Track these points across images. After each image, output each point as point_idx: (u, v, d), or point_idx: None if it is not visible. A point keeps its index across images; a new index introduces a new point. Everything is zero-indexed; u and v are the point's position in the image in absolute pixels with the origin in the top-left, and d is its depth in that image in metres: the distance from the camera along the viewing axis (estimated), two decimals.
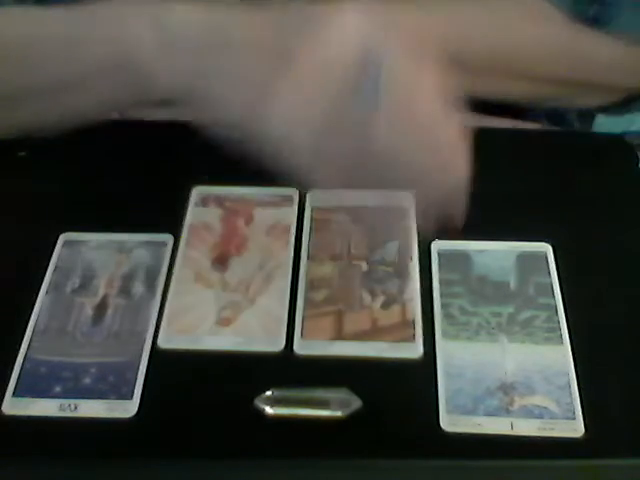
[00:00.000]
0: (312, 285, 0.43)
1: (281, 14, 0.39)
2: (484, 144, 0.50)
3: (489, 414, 0.38)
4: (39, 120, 0.44)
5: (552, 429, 0.37)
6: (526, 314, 0.42)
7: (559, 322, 0.41)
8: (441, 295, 0.42)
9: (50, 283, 0.44)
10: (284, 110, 0.37)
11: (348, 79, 0.38)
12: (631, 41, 0.47)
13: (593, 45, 0.47)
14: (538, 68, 0.48)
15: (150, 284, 0.43)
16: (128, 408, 0.38)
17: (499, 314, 0.42)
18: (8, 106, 0.45)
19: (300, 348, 0.41)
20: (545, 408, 0.38)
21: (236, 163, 0.40)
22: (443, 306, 0.42)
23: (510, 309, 0.42)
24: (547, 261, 0.44)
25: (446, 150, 0.39)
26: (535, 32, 0.48)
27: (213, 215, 0.47)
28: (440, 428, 0.37)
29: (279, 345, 0.41)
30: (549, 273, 0.43)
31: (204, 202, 0.47)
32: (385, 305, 0.42)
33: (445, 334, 0.41)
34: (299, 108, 0.38)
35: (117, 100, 0.43)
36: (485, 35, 0.48)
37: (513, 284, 0.43)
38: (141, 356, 0.40)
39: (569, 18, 0.47)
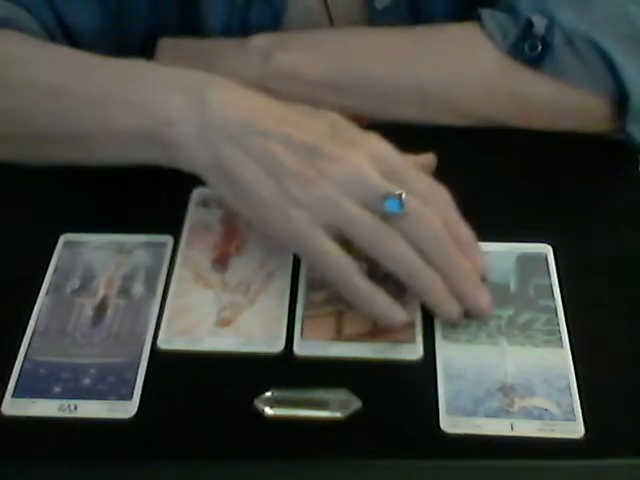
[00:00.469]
0: (312, 286, 0.43)
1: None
2: (484, 145, 0.50)
3: (489, 415, 0.38)
4: (63, 160, 0.46)
5: (552, 430, 0.37)
6: (526, 316, 0.42)
7: (559, 325, 0.41)
8: None
9: (50, 284, 0.44)
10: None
11: None
12: (564, 82, 0.48)
13: (529, 83, 0.49)
14: (474, 105, 0.50)
15: (150, 285, 0.43)
16: (128, 409, 0.38)
17: (499, 316, 0.42)
18: (36, 146, 0.47)
19: (300, 349, 0.41)
20: (545, 409, 0.38)
21: None
22: None
23: (510, 311, 0.42)
24: (547, 263, 0.44)
25: None
26: (471, 67, 0.49)
27: (213, 216, 0.47)
28: (440, 429, 0.37)
29: (279, 346, 0.41)
30: (549, 275, 0.43)
31: (204, 203, 0.47)
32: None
33: (445, 336, 0.41)
34: None
35: (141, 160, 0.44)
36: (415, 69, 0.49)
37: (513, 286, 0.43)
38: (141, 357, 0.40)
39: (508, 56, 0.48)
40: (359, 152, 0.40)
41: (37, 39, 0.50)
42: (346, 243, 0.40)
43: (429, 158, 0.45)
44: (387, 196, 0.39)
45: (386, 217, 0.39)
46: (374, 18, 0.54)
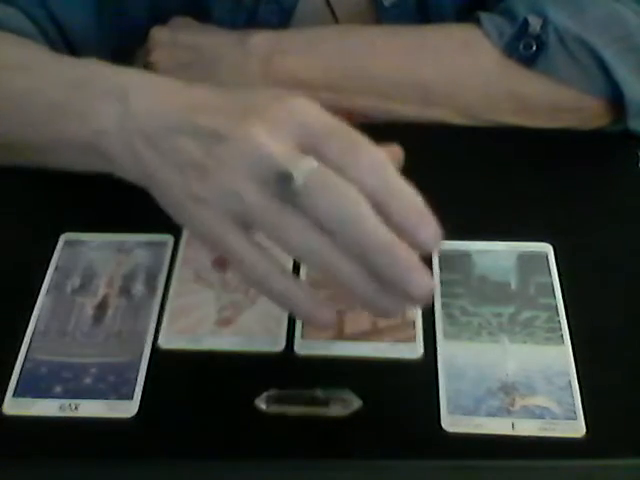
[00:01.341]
0: (312, 285, 0.43)
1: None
2: (484, 144, 0.50)
3: (490, 414, 0.38)
4: (24, 165, 0.44)
5: (553, 429, 0.37)
6: (527, 314, 0.42)
7: (560, 322, 0.41)
8: (442, 295, 0.42)
9: (50, 283, 0.44)
10: None
11: None
12: (559, 81, 0.49)
13: (526, 82, 0.49)
14: (473, 104, 0.50)
15: (150, 284, 0.43)
16: (128, 408, 0.38)
17: (500, 314, 0.42)
18: (14, 154, 0.45)
19: (300, 348, 0.41)
20: (546, 408, 0.38)
21: None
22: (444, 306, 0.42)
23: (511, 309, 0.42)
24: (548, 261, 0.44)
25: None
26: (470, 66, 0.49)
27: None
28: (441, 428, 0.37)
29: (279, 345, 0.41)
30: (550, 273, 0.43)
31: None
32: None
33: (446, 334, 0.41)
34: None
35: (95, 169, 0.41)
36: (415, 68, 0.49)
37: (514, 284, 0.43)
38: (141, 356, 0.40)
39: (504, 54, 0.49)
40: (261, 126, 0.34)
41: (17, 40, 0.49)
42: None
43: (393, 150, 0.40)
44: (277, 174, 0.33)
45: (288, 199, 0.33)
46: (381, 16, 0.55)
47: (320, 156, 0.33)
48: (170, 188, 0.36)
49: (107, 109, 0.39)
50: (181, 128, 0.36)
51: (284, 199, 0.33)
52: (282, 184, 0.33)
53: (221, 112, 0.36)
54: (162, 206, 0.38)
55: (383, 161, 0.33)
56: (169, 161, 0.36)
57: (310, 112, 0.35)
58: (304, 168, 0.33)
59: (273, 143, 0.34)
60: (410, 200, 0.33)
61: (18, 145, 0.44)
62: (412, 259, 0.32)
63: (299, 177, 0.32)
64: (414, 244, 0.32)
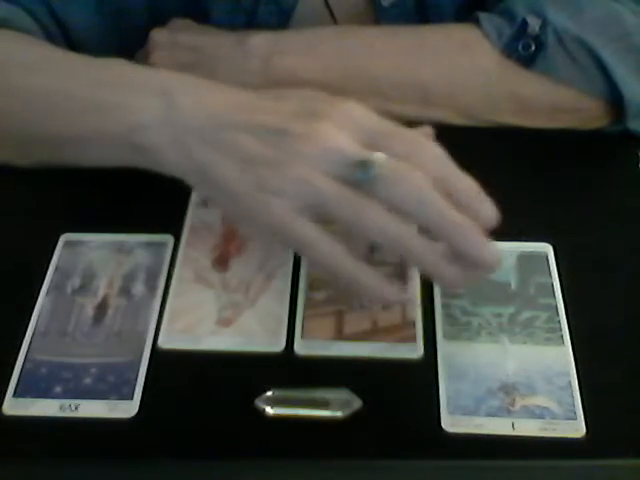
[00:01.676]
0: (312, 285, 0.43)
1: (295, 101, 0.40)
2: (484, 144, 0.50)
3: (490, 414, 0.38)
4: (50, 162, 0.46)
5: (553, 429, 0.37)
6: (527, 314, 0.42)
7: (560, 322, 0.41)
8: (442, 295, 0.42)
9: (50, 283, 0.44)
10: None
11: None
12: (559, 81, 0.49)
13: (525, 83, 0.49)
14: (473, 103, 0.50)
15: (150, 284, 0.43)
16: (128, 408, 0.38)
17: (500, 315, 0.42)
18: (22, 148, 0.47)
19: (300, 348, 0.41)
20: (546, 408, 0.38)
21: None
22: (444, 306, 0.42)
23: (511, 309, 0.42)
24: (548, 261, 0.44)
25: None
26: (469, 66, 0.50)
27: (214, 215, 0.47)
28: (441, 429, 0.37)
29: (279, 345, 0.41)
30: (550, 273, 0.43)
31: (205, 203, 0.47)
32: (385, 305, 0.42)
33: (446, 335, 0.41)
34: None
35: (125, 164, 0.43)
36: (415, 68, 0.49)
37: (514, 284, 0.43)
38: (141, 356, 0.40)
39: (503, 55, 0.49)
40: (327, 124, 0.38)
41: (32, 39, 0.50)
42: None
43: (426, 131, 0.43)
44: (357, 163, 0.36)
45: (363, 187, 0.36)
46: (380, 16, 0.55)
47: (384, 151, 0.37)
48: (231, 182, 0.38)
49: (148, 104, 0.41)
50: (238, 125, 0.39)
51: (360, 187, 0.36)
52: (359, 173, 0.36)
53: (278, 112, 0.39)
54: (210, 198, 0.41)
55: (441, 152, 0.38)
56: (230, 157, 0.38)
57: (366, 113, 0.39)
58: (379, 158, 0.36)
59: (343, 138, 0.37)
60: (470, 184, 0.37)
61: (47, 141, 0.45)
62: (480, 234, 0.36)
63: (377, 165, 0.36)
64: (477, 221, 0.37)
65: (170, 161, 0.41)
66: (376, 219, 0.36)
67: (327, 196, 0.37)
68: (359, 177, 0.36)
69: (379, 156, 0.36)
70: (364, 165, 0.36)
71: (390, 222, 0.36)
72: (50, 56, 0.47)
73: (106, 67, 0.45)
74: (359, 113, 0.39)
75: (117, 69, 0.44)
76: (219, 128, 0.39)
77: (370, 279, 0.38)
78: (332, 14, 0.55)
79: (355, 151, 0.37)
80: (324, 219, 0.38)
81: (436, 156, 0.38)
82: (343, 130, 0.38)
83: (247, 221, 0.40)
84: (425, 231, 0.37)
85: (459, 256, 0.36)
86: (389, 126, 0.39)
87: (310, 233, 0.37)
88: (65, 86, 0.44)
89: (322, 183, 0.37)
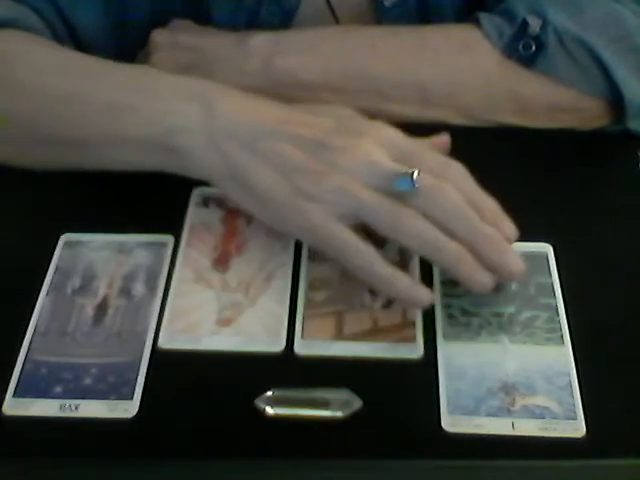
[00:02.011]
0: (312, 285, 0.43)
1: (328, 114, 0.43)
2: (484, 144, 0.50)
3: (490, 414, 0.38)
4: (69, 165, 0.47)
5: (553, 429, 0.37)
6: (527, 314, 0.42)
7: (560, 322, 0.41)
8: (442, 295, 0.42)
9: (51, 284, 0.44)
10: None
11: None
12: (559, 81, 0.49)
13: (525, 83, 0.49)
14: (473, 103, 0.50)
15: (151, 285, 0.43)
16: (128, 408, 0.38)
17: (500, 314, 0.42)
18: (42, 150, 0.47)
19: (300, 348, 0.41)
20: (546, 408, 0.38)
21: None
22: (444, 307, 0.42)
23: (511, 309, 0.42)
24: (548, 261, 0.44)
25: None
26: (470, 66, 0.50)
27: (213, 216, 0.47)
28: (441, 428, 0.37)
29: (279, 345, 0.41)
30: (550, 273, 0.43)
31: (205, 203, 0.47)
32: (386, 305, 0.42)
33: (446, 335, 0.41)
34: None
35: (149, 168, 0.44)
36: (415, 68, 0.50)
37: (514, 284, 0.43)
38: (142, 356, 0.40)
39: (503, 55, 0.49)
40: (366, 140, 0.41)
41: (42, 40, 0.50)
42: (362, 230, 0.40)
43: (443, 139, 0.45)
44: (398, 176, 0.39)
45: (401, 198, 0.39)
46: (382, 16, 0.55)
47: (416, 168, 0.39)
48: (273, 189, 0.40)
49: (185, 108, 0.42)
50: (277, 134, 0.41)
51: (398, 198, 0.39)
52: (402, 185, 0.39)
53: (314, 125, 0.41)
54: (247, 204, 0.42)
55: (467, 172, 0.41)
56: (269, 164, 0.40)
57: (397, 133, 0.42)
58: (416, 172, 0.39)
59: (380, 153, 0.40)
60: (493, 203, 0.41)
61: (68, 144, 0.45)
62: (507, 245, 0.40)
63: (416, 178, 0.39)
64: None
65: (204, 164, 0.42)
66: (415, 226, 0.39)
67: (366, 203, 0.39)
68: (400, 188, 0.39)
69: (416, 171, 0.39)
70: (405, 178, 0.39)
71: (429, 228, 0.39)
72: (66, 57, 0.48)
73: (130, 71, 0.45)
74: (391, 132, 0.42)
75: (146, 74, 0.45)
76: (258, 135, 0.41)
77: (402, 281, 0.40)
78: (334, 14, 0.55)
79: (394, 165, 0.40)
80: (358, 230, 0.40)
81: (462, 175, 0.41)
82: (379, 146, 0.40)
83: (283, 226, 0.42)
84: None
85: (487, 265, 0.39)
86: (420, 145, 0.42)
87: (348, 237, 0.40)
88: (85, 89, 0.45)
89: (360, 191, 0.39)
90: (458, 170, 0.41)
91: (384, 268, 0.39)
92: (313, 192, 0.40)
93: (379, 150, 0.40)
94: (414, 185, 0.39)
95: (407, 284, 0.40)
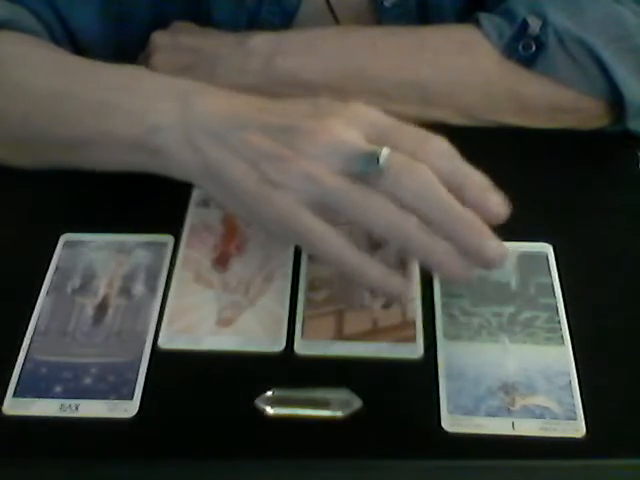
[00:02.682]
0: (312, 285, 0.43)
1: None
2: (484, 144, 0.50)
3: (490, 414, 0.38)
4: (59, 164, 0.47)
5: (553, 429, 0.37)
6: (527, 314, 0.42)
7: (560, 322, 0.41)
8: (442, 295, 0.42)
9: (51, 283, 0.44)
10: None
11: None
12: (556, 81, 0.49)
13: (525, 83, 0.49)
14: (474, 103, 0.50)
15: (151, 284, 0.43)
16: (128, 408, 0.38)
17: (500, 314, 0.42)
18: (32, 149, 0.47)
19: (300, 348, 0.41)
20: (546, 408, 0.38)
21: None
22: (444, 306, 0.42)
23: (511, 309, 0.42)
24: (548, 261, 0.44)
25: None
26: (470, 66, 0.50)
27: (213, 216, 0.47)
28: (441, 428, 0.37)
29: (279, 345, 0.41)
30: (550, 273, 0.43)
31: (205, 203, 0.47)
32: (386, 305, 0.42)
33: (446, 334, 0.41)
34: None
35: (135, 168, 0.44)
36: (415, 68, 0.49)
37: (514, 284, 0.43)
38: (142, 356, 0.40)
39: (503, 55, 0.49)
40: (337, 120, 0.38)
41: (38, 41, 0.50)
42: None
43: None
44: (363, 156, 0.37)
45: (368, 181, 0.37)
46: (382, 16, 0.55)
47: (391, 147, 0.37)
48: (243, 181, 0.39)
49: (164, 107, 0.41)
50: (249, 125, 0.39)
51: (366, 181, 0.37)
52: (366, 166, 0.36)
53: (288, 113, 0.40)
54: (220, 200, 0.41)
55: (449, 147, 0.38)
56: (240, 156, 0.39)
57: (374, 112, 0.39)
58: (385, 151, 0.36)
59: (350, 132, 0.38)
60: (480, 179, 0.38)
61: (54, 144, 0.45)
62: (486, 228, 0.37)
63: (382, 158, 0.36)
64: (486, 216, 0.37)
65: (182, 162, 0.41)
66: (380, 211, 0.37)
67: (331, 189, 0.37)
68: (364, 169, 0.37)
69: (385, 150, 0.37)
70: (370, 158, 0.36)
71: (394, 214, 0.36)
72: (59, 59, 0.47)
73: (119, 71, 0.45)
74: (368, 112, 0.39)
75: (129, 73, 0.45)
76: (231, 128, 0.40)
77: (375, 269, 0.38)
78: (334, 15, 0.55)
79: (361, 145, 0.37)
80: (329, 219, 0.38)
81: (443, 151, 0.38)
82: (351, 126, 0.38)
83: (254, 218, 0.41)
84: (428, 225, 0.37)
85: (462, 251, 0.37)
86: (397, 123, 0.39)
87: (314, 225, 0.38)
88: (74, 89, 0.45)
89: (326, 177, 0.37)
90: (438, 145, 0.38)
91: (353, 257, 0.37)
92: (279, 180, 0.38)
93: (349, 130, 0.38)
94: (377, 166, 0.36)
95: (380, 273, 0.38)
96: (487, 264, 0.37)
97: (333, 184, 0.37)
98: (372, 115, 0.39)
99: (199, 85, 0.43)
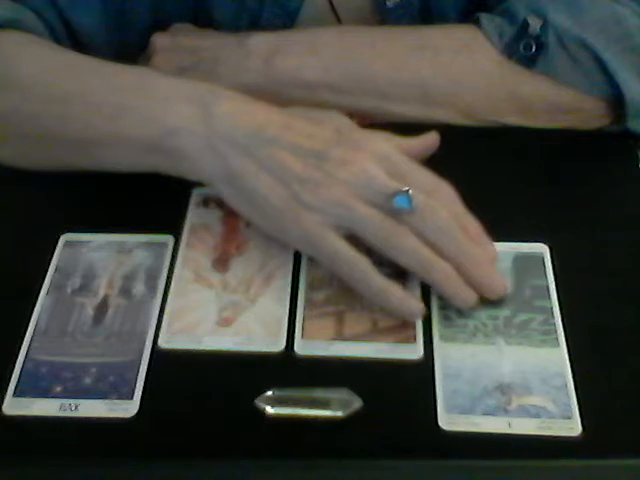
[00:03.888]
0: (312, 285, 0.43)
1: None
2: (484, 144, 0.50)
3: (487, 413, 0.38)
4: (70, 165, 0.47)
5: (549, 428, 0.37)
6: (522, 317, 0.42)
7: (555, 325, 0.41)
8: (438, 297, 0.42)
9: (51, 283, 0.44)
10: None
11: None
12: (557, 81, 0.49)
13: (526, 83, 0.49)
14: (474, 104, 0.50)
15: (151, 284, 0.43)
16: (128, 408, 0.38)
17: (495, 317, 0.42)
18: (44, 149, 0.47)
19: (300, 348, 0.41)
20: (542, 408, 0.38)
21: None
22: (440, 308, 0.42)
23: (506, 312, 0.42)
24: (544, 263, 0.44)
25: None
26: (470, 67, 0.50)
27: (213, 216, 0.47)
28: (439, 427, 0.38)
29: (279, 345, 0.41)
30: (545, 275, 0.43)
31: (205, 203, 0.47)
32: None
33: (442, 336, 0.41)
34: None
35: (147, 169, 0.44)
36: (416, 68, 0.50)
37: (510, 287, 0.43)
38: (142, 356, 0.40)
39: (504, 55, 0.49)
40: (364, 154, 0.41)
41: (45, 41, 0.50)
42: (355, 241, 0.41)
43: (432, 136, 0.46)
44: (395, 194, 0.40)
45: (395, 214, 0.40)
46: (384, 17, 0.55)
47: (410, 186, 0.40)
48: (271, 196, 0.41)
49: (182, 110, 0.42)
50: (277, 141, 0.41)
51: (394, 214, 0.40)
52: (399, 202, 0.40)
53: (314, 135, 0.42)
54: (243, 208, 0.43)
55: (455, 194, 0.42)
56: (266, 169, 0.41)
57: (393, 149, 0.42)
58: (412, 192, 0.40)
59: (377, 171, 0.41)
60: (477, 224, 0.42)
61: (68, 144, 0.45)
62: (492, 266, 0.42)
63: (414, 197, 0.40)
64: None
65: (202, 167, 0.42)
66: (408, 243, 0.40)
67: (362, 217, 0.40)
68: (398, 206, 0.40)
69: (411, 191, 0.40)
70: (403, 196, 0.40)
71: (421, 247, 0.40)
72: (69, 59, 0.47)
73: (130, 73, 0.45)
74: (386, 147, 0.42)
75: (147, 76, 0.45)
76: (258, 141, 0.41)
77: (399, 295, 0.41)
78: (337, 15, 0.55)
79: (391, 182, 0.41)
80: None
81: (452, 195, 0.42)
82: (374, 162, 0.41)
83: (277, 232, 0.43)
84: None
85: (472, 283, 0.41)
86: (411, 162, 0.43)
87: (342, 247, 0.40)
88: (86, 90, 0.45)
89: (358, 205, 0.40)
90: (448, 190, 0.42)
91: (377, 280, 0.40)
92: (311, 201, 0.40)
93: (377, 166, 0.41)
94: (410, 204, 0.40)
95: (400, 296, 0.41)
96: (491, 295, 0.42)
97: (364, 212, 0.40)
98: (389, 151, 0.42)
99: (212, 87, 0.43)
